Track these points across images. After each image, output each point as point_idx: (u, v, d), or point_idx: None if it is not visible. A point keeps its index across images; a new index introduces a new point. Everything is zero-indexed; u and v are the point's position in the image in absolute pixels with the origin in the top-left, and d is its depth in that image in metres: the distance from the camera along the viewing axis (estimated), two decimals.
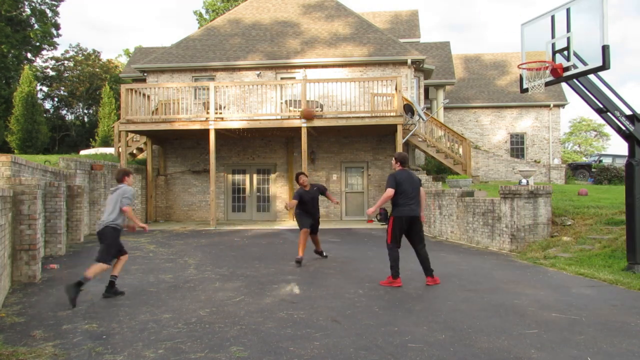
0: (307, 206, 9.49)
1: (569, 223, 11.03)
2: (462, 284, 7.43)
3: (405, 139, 17.45)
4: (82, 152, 22.35)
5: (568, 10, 8.18)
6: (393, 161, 7.64)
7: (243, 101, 18.76)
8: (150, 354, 4.52)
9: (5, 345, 4.71)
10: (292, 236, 13.64)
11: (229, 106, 18.13)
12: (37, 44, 37.86)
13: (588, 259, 8.99)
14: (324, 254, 9.93)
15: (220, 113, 16.97)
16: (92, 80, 39.70)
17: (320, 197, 9.91)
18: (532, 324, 5.38)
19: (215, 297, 6.70)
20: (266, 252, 10.94)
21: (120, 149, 17.16)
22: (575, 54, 8.18)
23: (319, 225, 9.84)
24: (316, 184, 9.83)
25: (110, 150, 21.25)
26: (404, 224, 7.31)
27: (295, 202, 9.45)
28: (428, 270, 7.45)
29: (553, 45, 8.57)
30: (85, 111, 41.78)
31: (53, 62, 40.43)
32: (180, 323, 5.46)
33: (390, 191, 7.22)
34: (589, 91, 8.38)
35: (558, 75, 8.44)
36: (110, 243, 6.71)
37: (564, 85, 23.96)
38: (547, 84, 8.74)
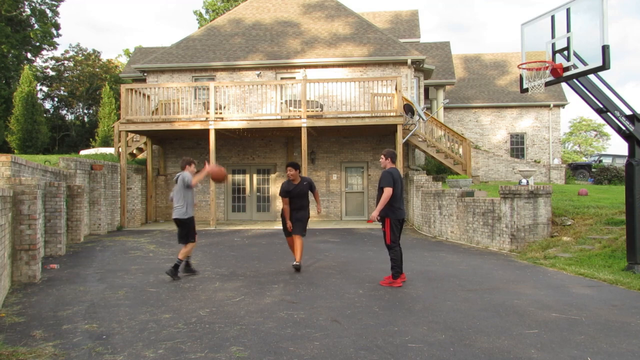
0: (293, 202, 8.39)
1: (569, 223, 11.03)
2: (462, 284, 7.43)
3: (405, 139, 17.45)
4: (82, 152, 22.34)
5: (568, 10, 8.18)
6: (382, 158, 7.53)
7: (243, 101, 18.75)
8: (150, 354, 4.52)
9: (5, 345, 4.71)
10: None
11: (229, 106, 18.13)
12: (37, 44, 37.87)
13: (588, 259, 8.99)
14: (297, 264, 8.35)
15: (220, 113, 16.97)
16: (92, 80, 39.70)
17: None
18: (532, 324, 5.38)
19: (215, 297, 6.70)
20: (266, 252, 10.94)
21: (120, 149, 17.16)
22: (575, 54, 8.18)
23: (305, 225, 8.50)
24: (306, 178, 8.60)
25: (110, 150, 21.24)
26: (399, 225, 7.43)
27: (287, 202, 8.38)
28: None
29: (553, 45, 8.57)
30: (85, 111, 41.79)
31: (53, 62, 40.47)
32: (180, 323, 5.46)
33: (390, 190, 7.21)
34: (589, 91, 8.38)
35: (558, 75, 8.44)
36: (191, 227, 8.26)
37: (564, 85, 23.96)
38: (547, 84, 8.74)
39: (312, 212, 18.47)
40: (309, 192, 8.51)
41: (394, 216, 7.31)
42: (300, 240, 8.39)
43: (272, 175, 19.54)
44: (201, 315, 5.79)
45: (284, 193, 8.38)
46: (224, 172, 8.19)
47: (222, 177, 8.16)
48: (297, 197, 8.38)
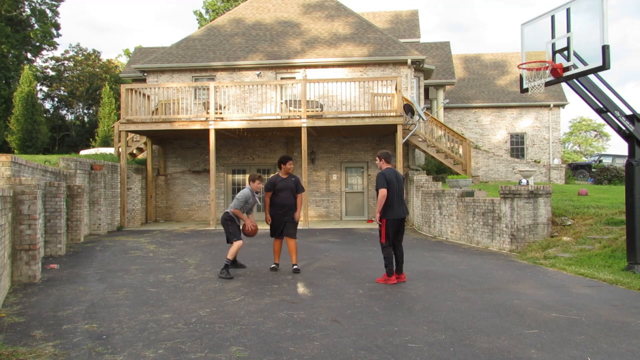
0: (278, 198, 8.19)
1: (569, 223, 11.03)
2: (462, 284, 7.43)
3: (405, 139, 17.45)
4: (82, 152, 22.34)
5: (568, 10, 8.18)
6: (377, 160, 7.73)
7: (243, 101, 18.76)
8: (150, 354, 4.52)
9: (5, 345, 4.71)
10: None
11: (229, 106, 18.13)
12: (37, 44, 37.87)
13: (588, 259, 8.99)
14: (296, 268, 8.35)
15: (220, 113, 16.97)
16: (92, 80, 39.70)
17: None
18: (532, 324, 5.38)
19: (215, 297, 6.70)
20: (266, 252, 10.93)
21: (120, 149, 17.16)
22: (575, 54, 8.18)
23: (295, 227, 8.31)
24: (295, 176, 8.45)
25: (110, 150, 21.24)
26: (395, 225, 7.50)
27: (269, 196, 8.24)
28: (400, 268, 7.65)
29: (553, 45, 8.57)
30: (85, 111, 41.80)
31: (53, 62, 40.47)
32: (180, 323, 5.46)
33: (384, 191, 7.31)
34: (589, 91, 8.38)
35: (558, 75, 8.44)
36: (227, 227, 8.26)
37: (564, 85, 23.96)
38: (547, 84, 8.74)
39: (312, 212, 18.56)
40: (295, 193, 8.29)
41: (390, 216, 7.39)
42: (294, 242, 8.36)
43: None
44: (201, 315, 5.79)
45: (269, 186, 8.27)
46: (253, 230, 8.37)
47: (251, 233, 8.39)
48: (281, 191, 8.19)
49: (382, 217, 7.37)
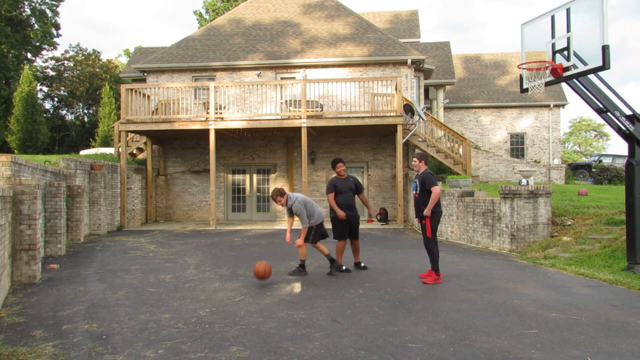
0: (341, 198, 8.37)
1: (569, 223, 11.03)
2: (462, 284, 7.44)
3: (405, 139, 17.45)
4: (82, 152, 22.33)
5: (568, 10, 8.18)
6: (416, 161, 7.87)
7: (243, 101, 18.76)
8: (150, 354, 4.52)
9: (5, 345, 4.71)
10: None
11: (229, 106, 18.14)
12: (37, 44, 37.87)
13: (588, 259, 8.99)
14: (362, 265, 8.65)
15: (220, 113, 16.97)
16: (92, 80, 39.70)
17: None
18: (532, 324, 5.38)
19: (215, 297, 6.70)
20: (266, 252, 10.94)
21: (120, 149, 17.16)
22: (575, 54, 8.18)
23: (358, 227, 8.64)
24: (353, 177, 8.73)
25: (110, 150, 21.23)
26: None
27: (332, 195, 8.35)
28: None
29: (553, 45, 8.57)
30: (85, 111, 41.79)
31: (53, 62, 40.45)
32: (180, 323, 5.46)
33: (438, 189, 7.52)
34: (589, 91, 8.38)
35: (558, 75, 8.44)
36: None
37: (564, 85, 23.96)
38: (547, 84, 8.74)
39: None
40: (355, 193, 8.62)
41: (438, 209, 7.62)
42: (358, 242, 8.78)
43: (272, 175, 19.54)
44: (201, 315, 5.79)
45: (330, 187, 8.47)
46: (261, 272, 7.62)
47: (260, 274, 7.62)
48: (347, 192, 8.49)
49: (433, 212, 7.53)
